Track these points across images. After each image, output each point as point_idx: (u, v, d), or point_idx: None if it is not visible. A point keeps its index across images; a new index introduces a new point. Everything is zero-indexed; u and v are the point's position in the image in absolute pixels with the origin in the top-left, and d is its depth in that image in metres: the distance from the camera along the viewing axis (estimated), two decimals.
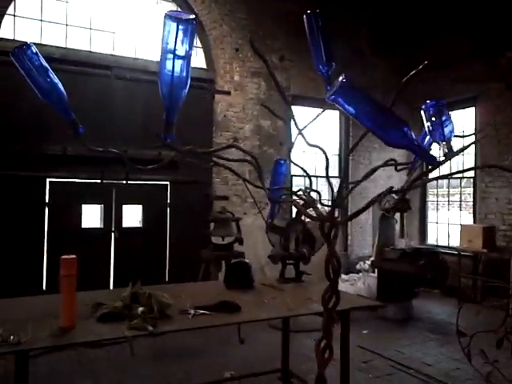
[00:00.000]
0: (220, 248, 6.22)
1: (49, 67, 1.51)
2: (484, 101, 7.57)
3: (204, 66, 7.25)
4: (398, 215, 7.82)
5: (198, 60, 7.21)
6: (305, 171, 1.94)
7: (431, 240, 8.91)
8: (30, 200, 5.95)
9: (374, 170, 1.85)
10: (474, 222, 7.81)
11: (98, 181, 6.17)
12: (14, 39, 5.97)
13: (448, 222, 8.59)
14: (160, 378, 4.19)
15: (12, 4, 6.01)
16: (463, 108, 8.12)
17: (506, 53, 7.05)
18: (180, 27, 1.38)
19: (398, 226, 7.92)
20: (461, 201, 8.78)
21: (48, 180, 6.08)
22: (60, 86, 1.51)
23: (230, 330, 5.25)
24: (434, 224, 8.92)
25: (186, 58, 1.45)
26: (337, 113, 8.58)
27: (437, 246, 8.53)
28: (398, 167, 2.19)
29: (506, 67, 7.07)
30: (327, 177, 1.72)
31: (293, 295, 3.25)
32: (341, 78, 1.34)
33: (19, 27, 6.06)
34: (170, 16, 1.40)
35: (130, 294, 2.66)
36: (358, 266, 7.47)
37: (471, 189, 8.16)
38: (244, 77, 7.37)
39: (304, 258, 3.91)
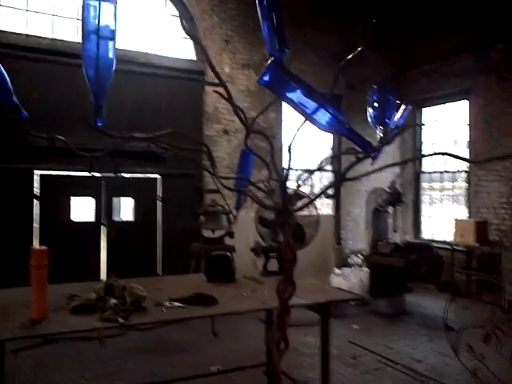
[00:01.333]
0: (211, 241, 6.18)
1: None
2: (476, 94, 7.50)
3: (194, 58, 7.16)
4: (391, 209, 7.81)
5: (188, 51, 7.12)
6: (263, 160, 1.87)
7: (426, 234, 8.85)
8: (18, 192, 5.89)
9: (333, 158, 1.78)
10: (469, 216, 7.75)
11: (88, 174, 6.10)
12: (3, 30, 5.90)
13: (442, 216, 8.54)
14: (146, 372, 4.15)
15: None
16: (456, 101, 8.05)
17: (497, 45, 6.97)
18: (102, 7, 1.30)
19: (391, 220, 7.90)
20: (454, 195, 8.72)
21: (37, 172, 6.01)
22: (3, 72, 1.45)
23: (219, 325, 5.22)
24: (428, 218, 8.87)
25: (111, 38, 1.38)
26: None
27: (431, 240, 8.48)
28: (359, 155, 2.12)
29: (497, 60, 7.00)
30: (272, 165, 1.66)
31: (272, 288, 3.18)
32: (269, 61, 1.29)
33: (4, 17, 5.97)
34: None
35: (104, 286, 2.60)
36: (350, 260, 7.41)
37: (465, 183, 8.10)
38: (234, 68, 7.29)
39: None
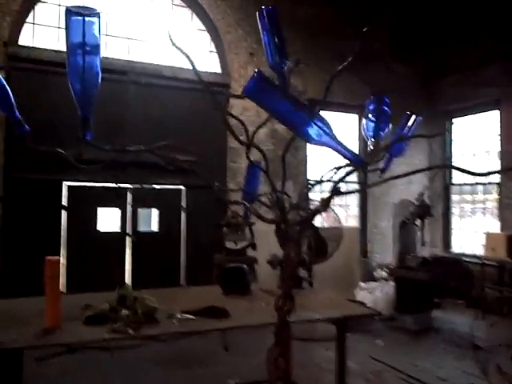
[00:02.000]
0: (232, 253, 6.19)
1: None
2: (506, 104, 7.27)
3: (219, 71, 7.25)
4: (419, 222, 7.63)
5: (212, 65, 7.22)
6: (266, 174, 1.86)
7: (456, 248, 8.58)
8: (47, 203, 6.06)
9: (338, 169, 1.76)
10: (501, 229, 7.48)
11: (114, 185, 6.24)
12: (33, 46, 6.14)
13: (473, 229, 8.27)
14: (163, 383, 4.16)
15: (31, 12, 6.18)
16: (487, 111, 7.83)
17: None
18: (86, 22, 1.33)
19: (419, 233, 7.71)
20: (486, 208, 8.44)
21: (65, 183, 6.18)
22: (6, 86, 1.50)
23: (238, 338, 5.19)
24: (459, 231, 8.60)
25: (96, 52, 1.40)
26: (355, 116, 8.44)
27: (461, 254, 8.21)
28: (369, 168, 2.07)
29: None
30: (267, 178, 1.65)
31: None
32: (254, 73, 1.29)
33: (38, 34, 6.22)
34: (73, 12, 1.35)
35: (117, 296, 2.63)
36: (376, 274, 7.26)
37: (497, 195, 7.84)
38: None
39: (304, 263, 3.79)
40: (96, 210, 6.26)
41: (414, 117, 2.15)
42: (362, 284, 7.27)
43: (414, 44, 8.58)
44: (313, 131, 1.38)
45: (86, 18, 1.30)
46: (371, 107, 1.87)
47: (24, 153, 5.84)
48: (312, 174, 7.97)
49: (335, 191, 1.67)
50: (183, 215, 6.78)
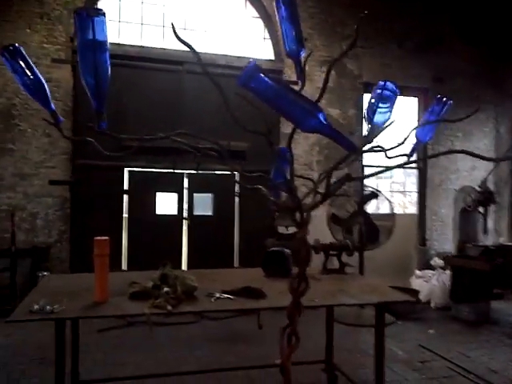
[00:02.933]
0: (284, 237, 6.30)
1: (33, 65, 1.67)
2: None
3: (272, 58, 7.28)
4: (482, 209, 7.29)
5: (266, 51, 7.27)
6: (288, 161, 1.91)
7: None
8: (110, 188, 6.47)
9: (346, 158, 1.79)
10: None
11: (171, 170, 6.53)
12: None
13: None
14: (212, 360, 4.37)
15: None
16: None
17: None
18: (95, 21, 1.44)
19: (482, 221, 7.38)
20: None
21: (126, 169, 6.56)
22: (43, 81, 1.66)
23: (300, 320, 5.31)
24: None
25: (105, 49, 1.51)
26: (415, 100, 8.15)
27: None
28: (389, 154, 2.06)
29: None
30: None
31: (327, 286, 3.21)
32: (249, 63, 1.34)
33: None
34: (81, 13, 1.47)
35: (159, 275, 2.82)
36: (432, 262, 7.06)
37: None
38: (312, 66, 7.27)
39: (348, 248, 3.80)
40: (155, 194, 6.59)
41: (441, 101, 2.11)
42: (418, 272, 7.11)
43: (481, 26, 8.10)
44: (313, 121, 1.43)
45: (95, 18, 1.42)
46: (378, 91, 1.86)
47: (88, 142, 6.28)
48: (367, 160, 7.83)
49: (348, 177, 1.70)
50: (237, 200, 6.96)
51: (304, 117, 1.47)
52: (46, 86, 1.66)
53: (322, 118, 1.44)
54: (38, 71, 1.67)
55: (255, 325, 5.34)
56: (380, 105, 1.81)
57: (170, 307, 2.49)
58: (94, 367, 4.00)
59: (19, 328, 4.29)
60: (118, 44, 6.51)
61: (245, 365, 4.13)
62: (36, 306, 2.33)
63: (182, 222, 6.69)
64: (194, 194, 6.76)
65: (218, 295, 2.77)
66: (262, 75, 1.43)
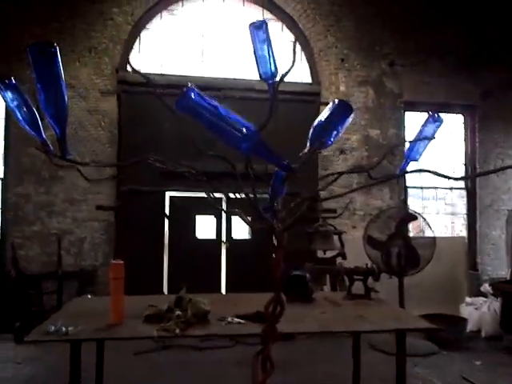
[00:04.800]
0: (322, 261, 6.19)
1: (28, 99, 1.74)
2: None
3: (309, 80, 7.32)
4: None
5: (303, 74, 7.33)
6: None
7: None
8: (152, 212, 6.71)
9: (340, 174, 1.78)
10: None
11: (210, 194, 6.66)
12: (139, 71, 6.87)
13: None
14: None
15: (137, 40, 6.95)
16: None
17: None
18: (50, 59, 1.50)
19: None
20: None
21: (167, 194, 6.79)
22: (35, 111, 1.72)
23: (324, 346, 5.20)
24: None
25: (62, 82, 1.56)
26: (460, 117, 7.85)
27: None
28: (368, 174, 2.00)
29: None
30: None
31: (346, 311, 3.13)
32: (185, 88, 1.38)
33: (143, 59, 6.98)
34: (36, 50, 1.53)
35: (175, 298, 2.88)
36: (482, 289, 6.65)
37: None
38: (350, 86, 7.24)
39: (372, 273, 3.69)
40: (195, 218, 6.75)
41: (434, 118, 2.04)
42: (468, 299, 6.71)
43: None
44: (245, 145, 1.46)
45: (49, 51, 1.49)
46: (328, 112, 1.84)
47: (133, 167, 6.57)
48: (412, 181, 7.60)
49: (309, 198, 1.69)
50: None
51: (237, 140, 1.51)
52: (36, 115, 1.71)
53: (252, 142, 1.46)
54: (31, 104, 1.75)
55: (290, 351, 5.28)
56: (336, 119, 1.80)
57: (178, 330, 2.53)
58: None
59: (59, 347, 4.50)
60: (162, 74, 6.82)
61: None
62: (52, 328, 2.44)
63: (220, 246, 6.78)
64: (233, 218, 6.85)
65: (229, 319, 2.78)
66: (198, 99, 1.47)
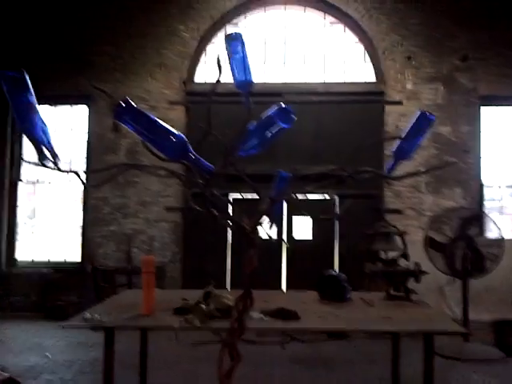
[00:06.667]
0: (384, 263, 6.03)
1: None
2: None
3: (373, 80, 7.17)
4: None
5: (367, 74, 7.20)
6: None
7: None
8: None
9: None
10: None
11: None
12: (205, 82, 7.24)
13: None
14: (287, 381, 4.42)
15: (203, 54, 7.34)
16: None
17: None
18: (20, 82, 1.64)
19: None
20: None
21: (230, 196, 7.06)
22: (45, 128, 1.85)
23: (380, 347, 5.08)
24: None
25: (34, 108, 1.63)
26: None
27: None
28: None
29: None
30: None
31: (375, 312, 3.08)
32: (121, 101, 1.49)
33: (209, 72, 7.34)
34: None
35: (203, 293, 3.06)
36: None
37: None
38: (418, 84, 6.96)
39: (413, 274, 3.57)
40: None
41: (424, 116, 1.99)
42: None
43: None
44: (171, 148, 1.57)
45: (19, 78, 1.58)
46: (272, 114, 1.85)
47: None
48: (488, 179, 7.11)
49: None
50: (336, 224, 6.93)
51: (164, 147, 1.62)
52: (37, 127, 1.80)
53: (179, 145, 1.57)
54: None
55: (345, 349, 5.26)
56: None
57: (197, 323, 2.70)
58: (176, 377, 4.37)
59: (126, 337, 4.90)
60: (223, 83, 7.10)
61: None
62: (88, 315, 2.74)
63: (281, 246, 6.90)
64: (293, 218, 6.93)
65: (253, 315, 2.89)
66: (132, 110, 1.61)
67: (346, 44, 7.29)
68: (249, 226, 1.85)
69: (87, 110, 7.34)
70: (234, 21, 7.39)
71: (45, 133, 1.64)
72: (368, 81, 7.18)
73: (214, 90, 1.75)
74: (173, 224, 6.97)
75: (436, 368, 4.00)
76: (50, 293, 6.76)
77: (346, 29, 7.27)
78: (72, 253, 7.28)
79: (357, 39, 7.24)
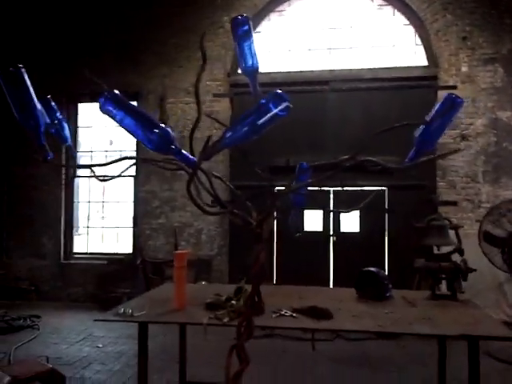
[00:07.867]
0: (435, 258, 5.71)
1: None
2: None
3: (425, 63, 6.78)
4: None
5: (418, 58, 6.82)
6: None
7: None
8: (262, 206, 6.96)
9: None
10: None
11: (317, 188, 6.67)
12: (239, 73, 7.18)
13: None
14: (327, 381, 4.30)
15: None
16: None
17: None
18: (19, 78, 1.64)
19: None
20: None
21: (275, 188, 6.97)
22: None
23: (428, 347, 4.84)
24: None
25: (34, 105, 1.65)
26: None
27: None
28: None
29: None
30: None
31: (415, 312, 2.91)
32: (106, 93, 1.44)
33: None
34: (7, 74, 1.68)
35: (235, 289, 3.02)
36: None
37: None
38: (474, 66, 6.50)
39: (460, 271, 3.33)
40: (303, 211, 6.81)
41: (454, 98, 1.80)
42: None
43: None
44: (153, 139, 1.52)
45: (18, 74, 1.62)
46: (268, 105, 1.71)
47: (242, 164, 6.91)
48: None
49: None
50: (386, 216, 6.66)
51: (148, 140, 1.56)
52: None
53: (163, 136, 1.52)
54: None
55: (392, 349, 5.05)
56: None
57: (226, 319, 2.67)
58: (212, 371, 4.38)
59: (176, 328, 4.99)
60: (267, 72, 7.02)
61: None
62: (122, 310, 2.78)
63: (328, 239, 6.74)
64: (341, 211, 6.74)
65: (283, 312, 2.82)
66: (118, 103, 1.57)
67: (395, 27, 6.94)
68: (255, 220, 1.76)
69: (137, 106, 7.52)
70: (279, 8, 7.25)
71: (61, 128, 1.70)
72: (419, 65, 6.80)
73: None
74: (219, 217, 7.00)
75: (491, 372, 3.76)
76: (105, 284, 7.04)
77: (395, 11, 6.91)
78: (125, 245, 7.54)
79: (407, 21, 6.86)
